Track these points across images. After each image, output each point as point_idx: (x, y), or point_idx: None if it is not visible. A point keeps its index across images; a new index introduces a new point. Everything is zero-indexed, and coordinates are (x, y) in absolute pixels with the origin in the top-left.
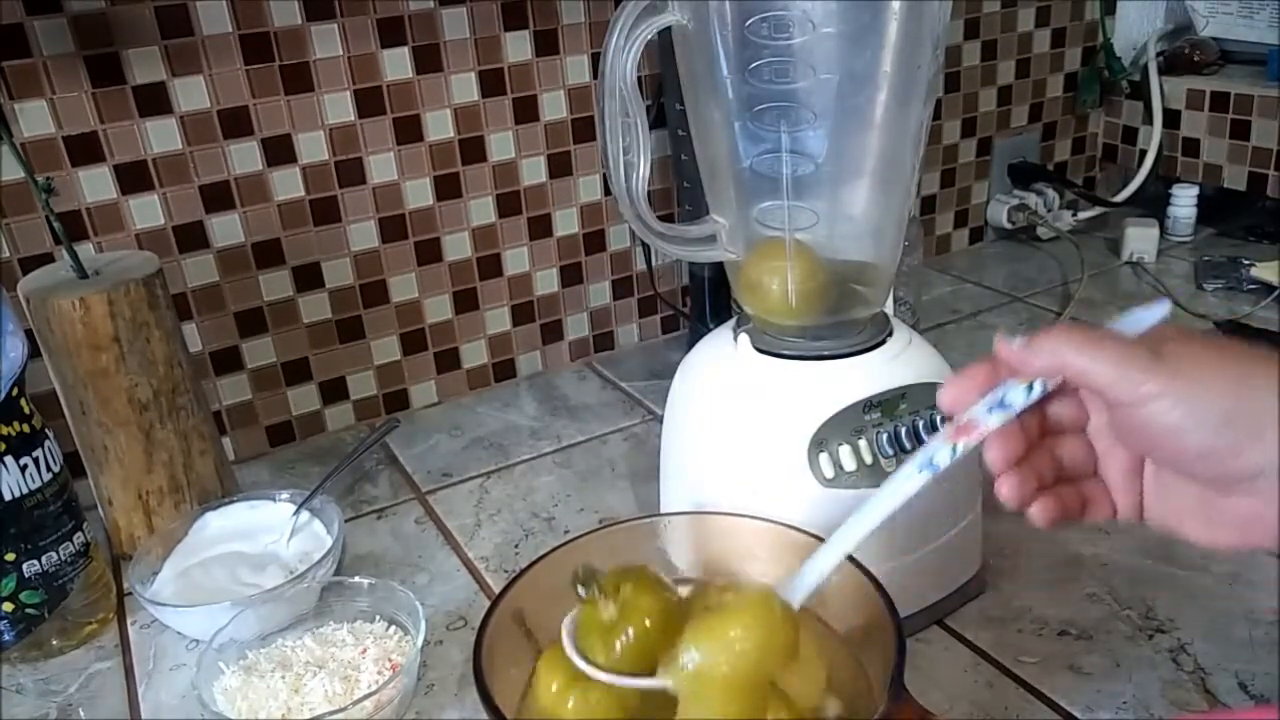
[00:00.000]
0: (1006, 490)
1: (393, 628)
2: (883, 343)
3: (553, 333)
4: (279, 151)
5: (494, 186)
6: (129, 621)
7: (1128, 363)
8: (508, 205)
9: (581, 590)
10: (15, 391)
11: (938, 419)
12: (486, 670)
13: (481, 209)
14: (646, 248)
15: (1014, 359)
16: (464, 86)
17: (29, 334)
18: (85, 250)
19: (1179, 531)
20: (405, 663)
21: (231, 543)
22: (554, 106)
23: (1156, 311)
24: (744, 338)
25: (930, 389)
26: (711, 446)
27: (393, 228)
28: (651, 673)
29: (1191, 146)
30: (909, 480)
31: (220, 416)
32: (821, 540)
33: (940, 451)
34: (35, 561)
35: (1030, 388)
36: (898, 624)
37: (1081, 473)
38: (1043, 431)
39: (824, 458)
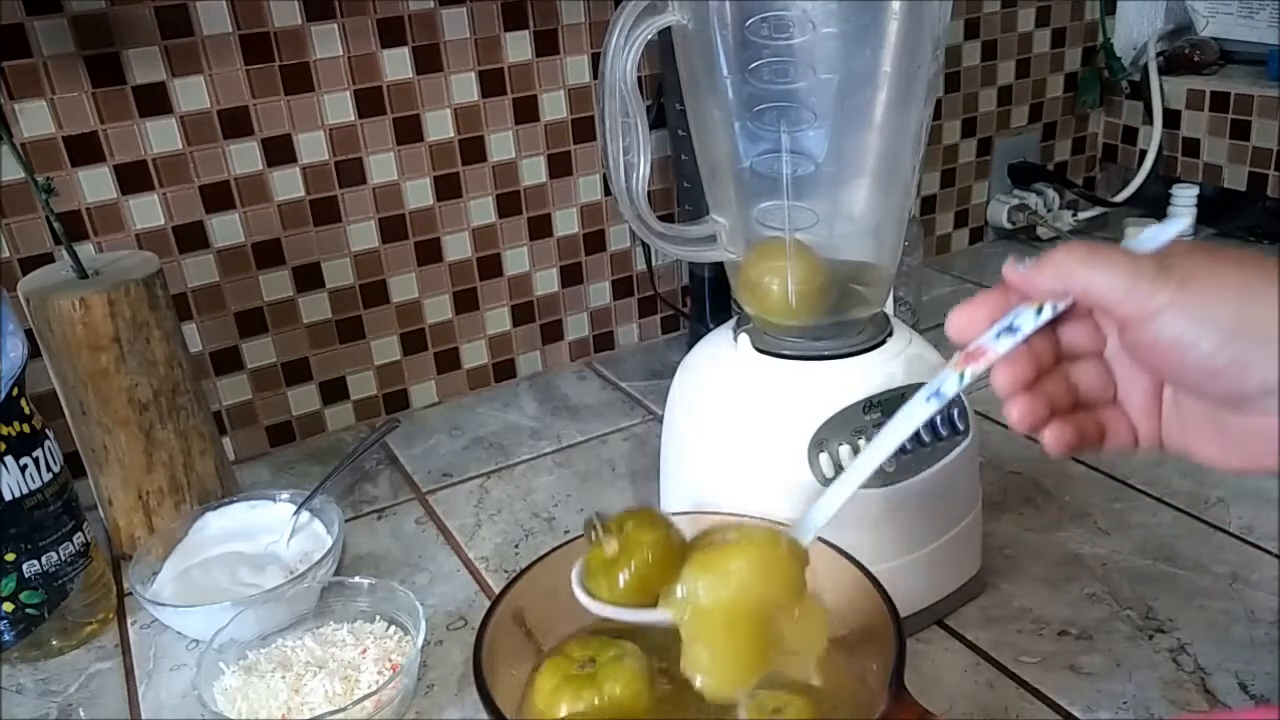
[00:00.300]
0: (1016, 413)
1: (393, 628)
2: (883, 343)
3: (553, 333)
4: (279, 151)
5: (494, 186)
6: (129, 622)
7: (1135, 276)
8: (508, 205)
9: (590, 533)
10: (15, 391)
11: (939, 418)
12: (486, 670)
13: (481, 209)
14: (646, 248)
15: (1021, 282)
16: (464, 86)
17: (29, 334)
18: (85, 250)
19: (1196, 454)
20: (405, 663)
21: (231, 543)
22: (554, 106)
23: (1172, 227)
24: (744, 338)
25: None
26: (711, 446)
27: (393, 228)
28: (654, 606)
29: (1192, 146)
30: (918, 409)
31: (220, 417)
32: (825, 541)
33: (948, 380)
34: (35, 561)
35: (1039, 311)
36: (898, 624)
37: (1099, 400)
38: (1058, 358)
39: (824, 458)
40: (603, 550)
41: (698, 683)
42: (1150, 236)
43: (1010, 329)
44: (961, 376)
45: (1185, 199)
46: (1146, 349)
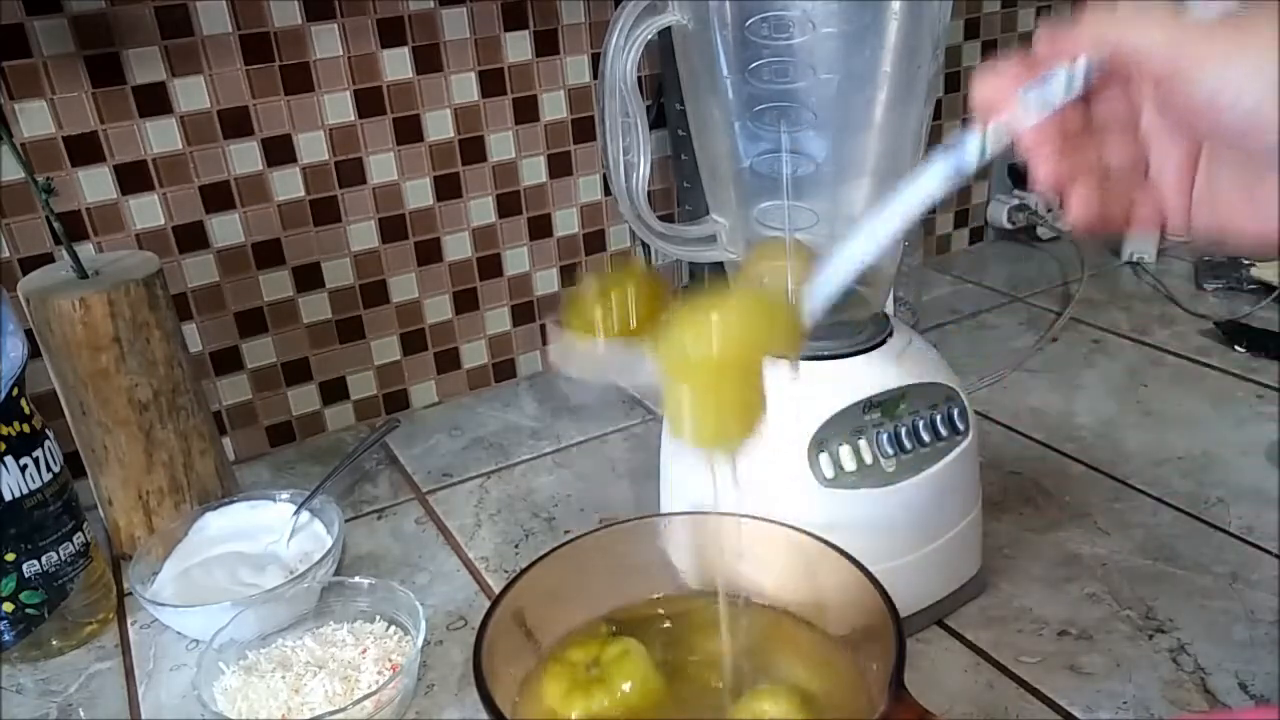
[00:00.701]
0: (1041, 170)
1: (393, 628)
2: (883, 343)
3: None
4: (279, 151)
5: (494, 186)
6: (129, 622)
7: (1176, 29)
8: (508, 205)
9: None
10: (15, 391)
11: (939, 418)
12: (487, 670)
13: (481, 209)
14: (646, 248)
15: (1056, 40)
16: (464, 86)
17: (29, 334)
18: (85, 250)
19: (1227, 224)
20: (405, 663)
21: (231, 543)
22: (554, 106)
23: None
24: None
25: (931, 389)
26: None
27: (393, 228)
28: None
29: None
30: (935, 175)
31: (220, 417)
32: (823, 541)
33: (970, 142)
34: (35, 562)
35: (1071, 78)
36: (898, 624)
37: (1129, 177)
38: (1088, 130)
39: (824, 458)
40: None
41: (686, 436)
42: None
43: (1042, 91)
44: (983, 141)
45: None
46: (1185, 105)
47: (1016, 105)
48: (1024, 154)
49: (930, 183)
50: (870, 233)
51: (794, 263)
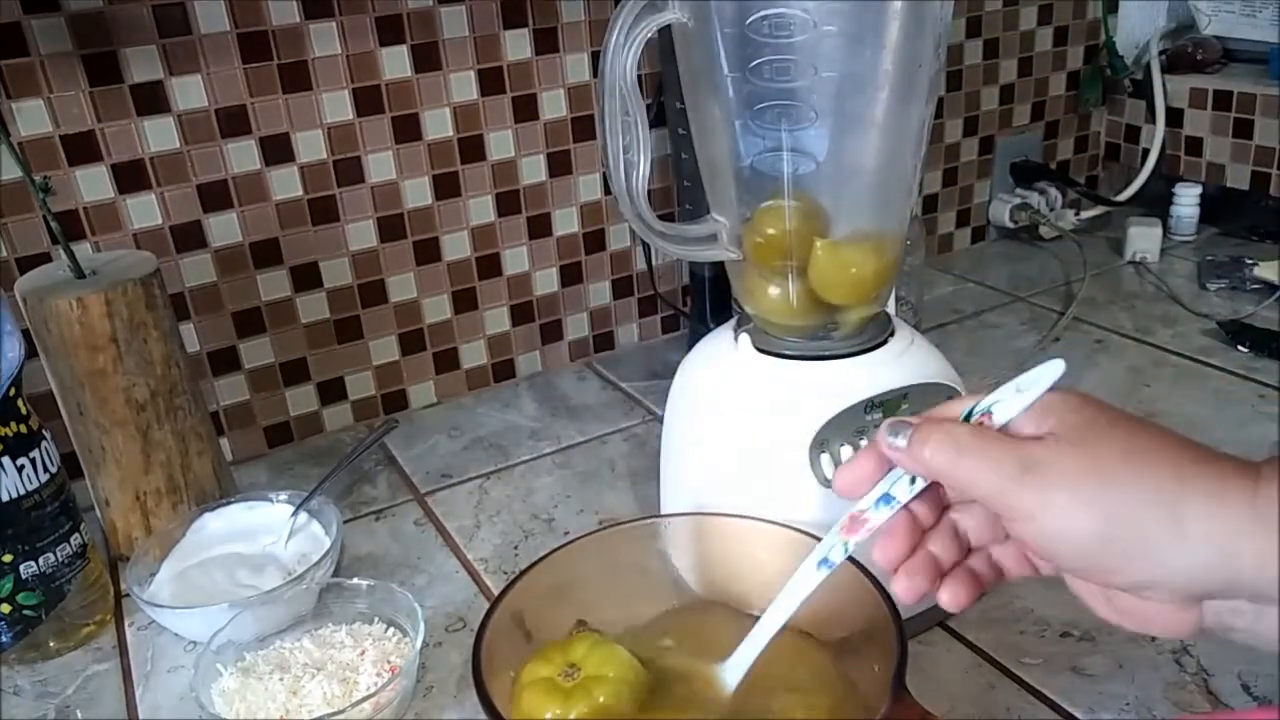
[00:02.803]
0: (899, 588)
1: (391, 629)
2: (884, 343)
3: (552, 333)
4: (277, 151)
5: (493, 186)
6: (127, 623)
7: (1001, 477)
8: (507, 204)
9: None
10: (12, 392)
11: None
12: (486, 672)
13: (480, 208)
14: (646, 247)
15: (894, 458)
16: (463, 85)
17: (26, 334)
18: (83, 250)
19: (1086, 604)
20: (404, 664)
21: (229, 544)
22: (553, 105)
23: (1050, 373)
24: (744, 338)
25: (933, 389)
26: (712, 447)
27: (391, 227)
28: None
29: (1194, 145)
30: (808, 577)
31: (218, 417)
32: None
33: (835, 549)
34: (32, 563)
35: (914, 480)
36: (899, 625)
37: (991, 539)
38: (942, 507)
39: (825, 458)
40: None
41: None
42: (1025, 386)
43: (887, 497)
44: (846, 546)
45: (1187, 198)
46: (1019, 541)
47: (868, 507)
48: (882, 569)
49: (806, 582)
50: (761, 629)
51: (794, 226)
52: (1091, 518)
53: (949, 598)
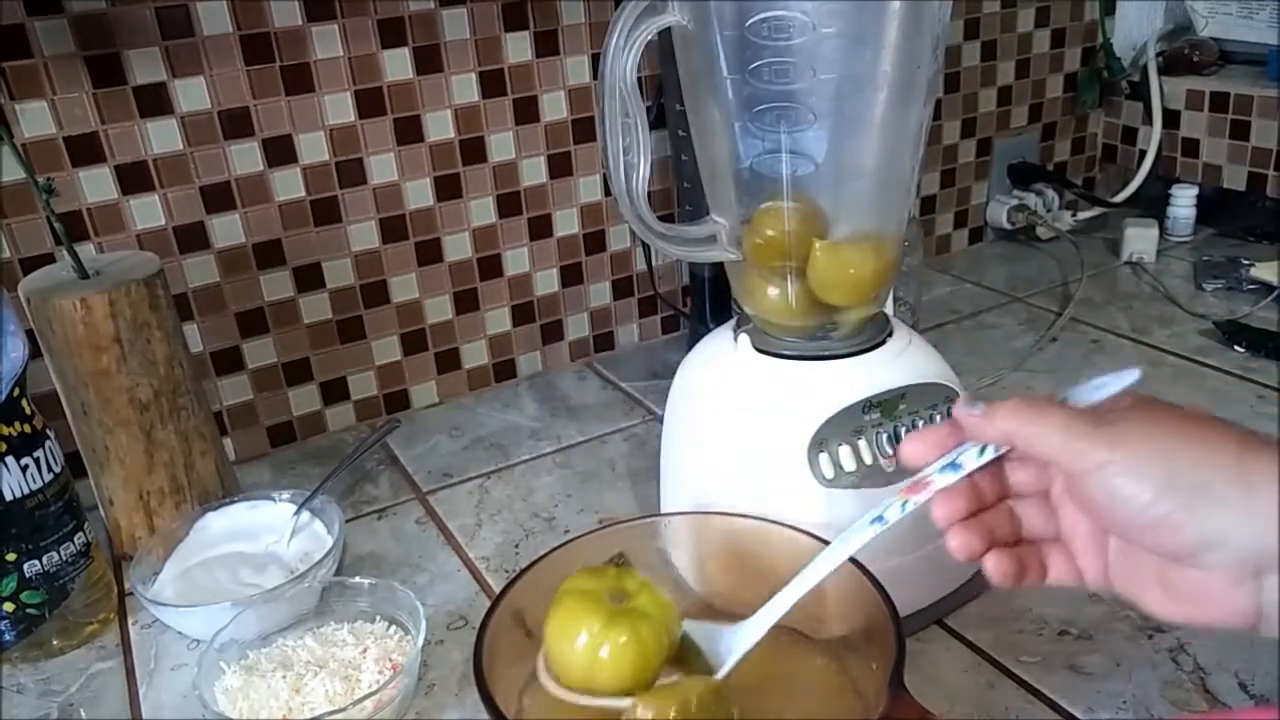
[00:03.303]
0: (954, 543)
1: (393, 628)
2: (882, 343)
3: (553, 333)
4: (279, 152)
5: (494, 187)
6: (130, 621)
7: (1073, 433)
8: (508, 206)
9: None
10: (16, 392)
11: (938, 418)
12: (487, 670)
13: (482, 209)
14: (646, 248)
15: (968, 425)
16: (464, 87)
17: (30, 334)
18: (86, 251)
19: (1142, 604)
20: (406, 663)
21: (232, 543)
22: (554, 107)
23: (1126, 377)
24: (744, 338)
25: (930, 389)
26: (711, 447)
27: (393, 228)
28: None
29: (1191, 147)
30: (860, 533)
31: (221, 417)
32: (823, 541)
33: (891, 507)
34: (36, 562)
35: (982, 451)
36: (898, 624)
37: (1043, 537)
38: (1003, 494)
39: (824, 458)
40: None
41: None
42: (1105, 384)
43: (954, 465)
44: (904, 505)
45: (1184, 199)
46: (1088, 501)
47: (933, 474)
48: (938, 526)
49: (857, 537)
50: (804, 579)
51: (793, 227)
52: (1158, 462)
53: (994, 566)
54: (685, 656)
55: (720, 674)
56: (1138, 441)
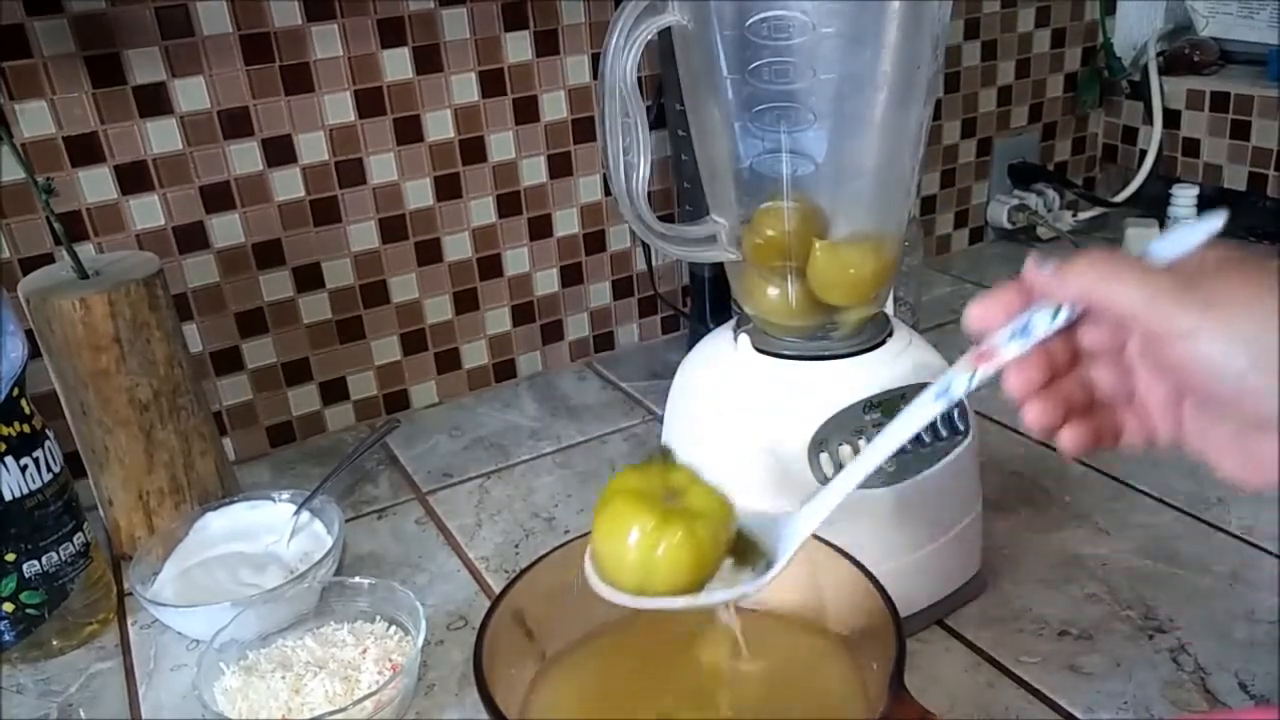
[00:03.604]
0: (1031, 417)
1: (393, 628)
2: (883, 343)
3: (553, 333)
4: (279, 152)
5: (494, 187)
6: (129, 622)
7: (1158, 295)
8: (508, 205)
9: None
10: (15, 392)
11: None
12: (487, 670)
13: (482, 209)
14: (646, 248)
15: (1042, 284)
16: (464, 87)
17: (29, 334)
18: (85, 251)
19: (1216, 466)
20: (406, 663)
21: (232, 543)
22: (554, 107)
23: (1207, 226)
24: (744, 338)
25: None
26: (712, 447)
27: (393, 228)
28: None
29: (1192, 146)
30: (925, 408)
31: (221, 417)
32: (823, 541)
33: (958, 379)
34: (35, 562)
35: (1055, 314)
36: (898, 624)
37: (1117, 398)
38: (1075, 357)
39: (824, 458)
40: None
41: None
42: (1183, 238)
43: (1024, 331)
44: (971, 377)
45: (1185, 199)
46: (1168, 366)
47: (1003, 340)
48: (1012, 397)
49: (922, 412)
50: (863, 461)
51: (793, 227)
52: (1252, 337)
53: (1070, 439)
54: (741, 549)
55: (778, 565)
56: (1230, 308)
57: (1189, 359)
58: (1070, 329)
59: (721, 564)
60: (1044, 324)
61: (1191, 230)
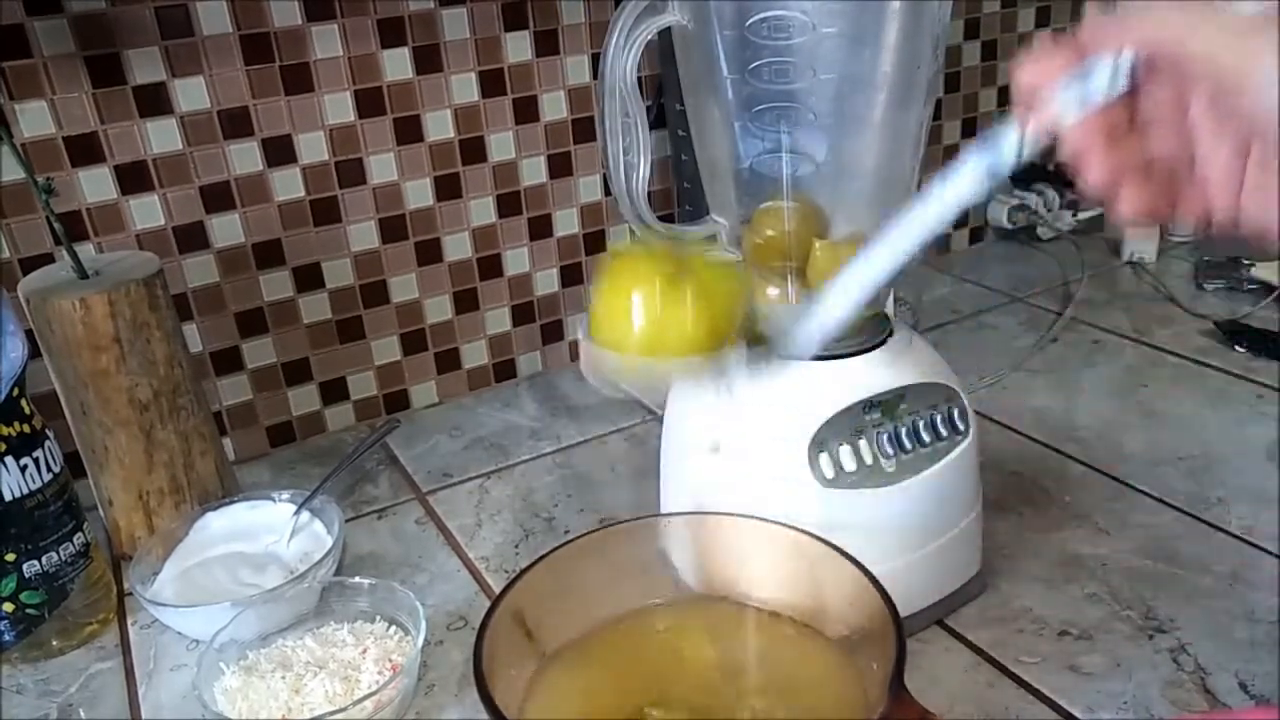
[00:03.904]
0: (1094, 171)
1: (393, 628)
2: (883, 343)
3: (553, 333)
4: (279, 152)
5: (494, 187)
6: (129, 622)
7: (1235, 32)
8: (508, 205)
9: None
10: (15, 392)
11: (939, 418)
12: (487, 670)
13: (481, 209)
14: None
15: (1103, 32)
16: (464, 87)
17: (29, 334)
18: (85, 251)
19: (1274, 232)
20: (405, 663)
21: (232, 543)
22: (554, 107)
23: None
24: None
25: (931, 389)
26: (712, 447)
27: (393, 228)
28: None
29: None
30: (968, 175)
31: (221, 417)
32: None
33: (1007, 140)
34: (35, 562)
35: (1116, 72)
36: (898, 624)
37: (1177, 167)
38: (1132, 123)
39: (824, 458)
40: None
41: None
42: None
43: (1084, 86)
44: (1021, 138)
45: None
46: (1245, 112)
47: (1058, 100)
48: (1068, 155)
49: (964, 183)
50: (900, 234)
51: (793, 227)
52: None
53: (1128, 199)
54: (756, 335)
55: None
56: None
57: (1266, 100)
58: (1129, 95)
59: (735, 341)
60: (1105, 80)
61: None
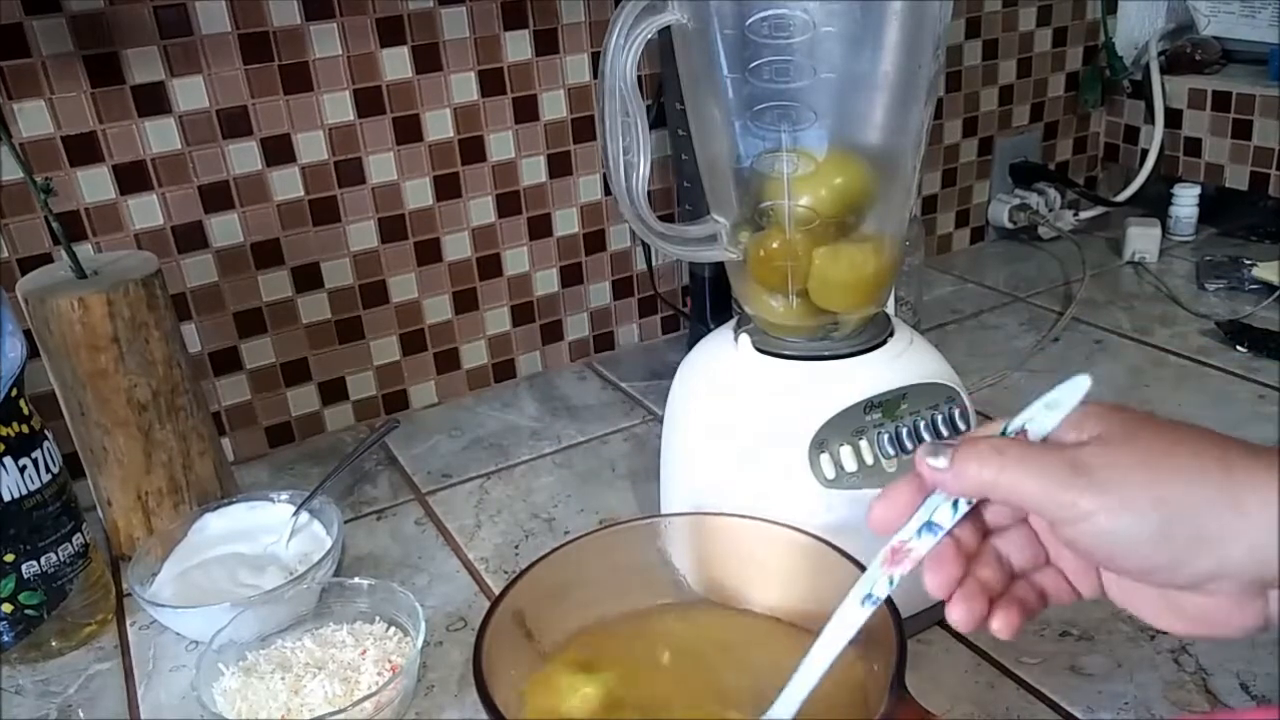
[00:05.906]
0: (958, 616)
1: (392, 629)
2: (884, 343)
3: (553, 333)
4: (278, 151)
5: (494, 186)
6: (128, 622)
7: (1051, 481)
8: (507, 205)
9: None
10: (14, 392)
11: (940, 418)
12: (486, 671)
13: (481, 209)
14: (646, 248)
15: (935, 480)
16: (463, 86)
17: (28, 334)
18: (84, 250)
19: (1144, 618)
20: (405, 664)
21: (231, 544)
22: (554, 106)
23: (1077, 390)
24: (744, 338)
25: (931, 389)
26: (712, 447)
27: (392, 228)
28: None
29: (1193, 146)
30: (853, 614)
31: (219, 417)
32: (823, 541)
33: (879, 583)
34: (34, 563)
35: (956, 504)
36: (899, 624)
37: (1033, 565)
38: (983, 532)
39: (825, 458)
40: None
41: None
42: (1053, 403)
43: (930, 525)
44: (891, 580)
45: (1186, 199)
46: (1074, 546)
47: (912, 534)
48: (934, 597)
49: (850, 619)
50: (804, 676)
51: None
52: (1148, 509)
53: (1001, 624)
54: None
55: None
56: (1125, 487)
57: (1091, 540)
58: (974, 511)
59: None
60: (947, 516)
61: (1064, 396)
